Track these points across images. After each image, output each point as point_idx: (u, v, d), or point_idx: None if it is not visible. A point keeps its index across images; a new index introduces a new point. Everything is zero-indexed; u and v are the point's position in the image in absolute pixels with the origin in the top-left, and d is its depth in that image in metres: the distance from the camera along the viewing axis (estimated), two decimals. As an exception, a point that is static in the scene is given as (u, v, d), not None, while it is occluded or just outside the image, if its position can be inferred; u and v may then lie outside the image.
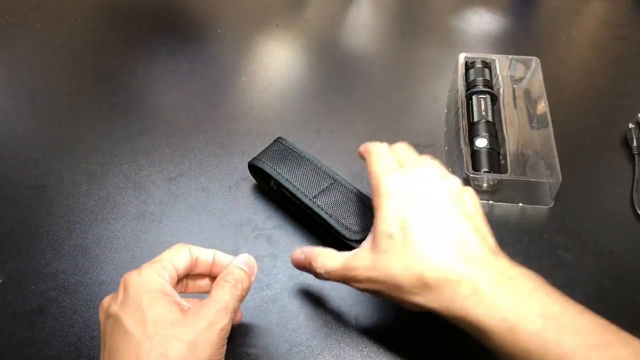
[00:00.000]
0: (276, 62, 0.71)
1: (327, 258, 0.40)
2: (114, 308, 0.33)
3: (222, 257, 0.39)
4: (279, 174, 0.49)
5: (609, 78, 0.69)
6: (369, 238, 0.38)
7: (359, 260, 0.37)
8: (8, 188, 0.55)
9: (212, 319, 0.33)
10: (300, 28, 0.76)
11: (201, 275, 0.40)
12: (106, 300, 0.35)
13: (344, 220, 0.46)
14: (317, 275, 0.40)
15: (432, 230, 0.35)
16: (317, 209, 0.46)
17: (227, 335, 0.34)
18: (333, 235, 0.47)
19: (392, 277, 0.35)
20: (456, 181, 0.39)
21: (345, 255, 0.39)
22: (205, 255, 0.39)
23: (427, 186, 0.38)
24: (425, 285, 0.34)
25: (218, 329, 0.33)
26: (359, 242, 0.41)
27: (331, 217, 0.46)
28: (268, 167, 0.49)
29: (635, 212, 0.53)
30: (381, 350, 0.44)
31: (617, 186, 0.56)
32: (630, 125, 0.60)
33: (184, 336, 0.32)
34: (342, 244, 0.46)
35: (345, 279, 0.38)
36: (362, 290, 0.38)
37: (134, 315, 0.32)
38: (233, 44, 0.73)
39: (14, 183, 0.55)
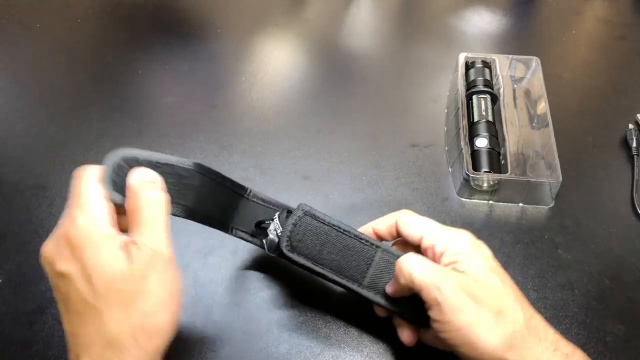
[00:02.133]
0: (276, 62, 0.71)
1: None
2: (62, 267, 0.31)
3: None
4: (315, 261, 0.40)
5: (609, 78, 0.69)
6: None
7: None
8: (8, 188, 0.55)
9: (158, 257, 0.32)
10: (300, 28, 0.76)
11: None
12: (49, 250, 0.32)
13: (403, 309, 0.40)
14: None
15: (519, 310, 0.35)
16: (370, 295, 0.41)
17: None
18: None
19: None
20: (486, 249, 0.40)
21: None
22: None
23: (490, 259, 0.38)
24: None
25: (167, 263, 0.32)
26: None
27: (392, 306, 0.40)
28: (303, 259, 0.40)
29: (635, 212, 0.53)
30: (381, 350, 0.44)
31: (617, 186, 0.56)
32: (630, 126, 0.60)
33: (138, 288, 0.31)
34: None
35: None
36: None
37: (84, 277, 0.31)
38: (233, 44, 0.73)
39: (14, 183, 0.55)
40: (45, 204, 0.53)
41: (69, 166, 0.56)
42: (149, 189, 0.34)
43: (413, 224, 0.40)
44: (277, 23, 0.76)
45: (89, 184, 0.34)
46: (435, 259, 0.38)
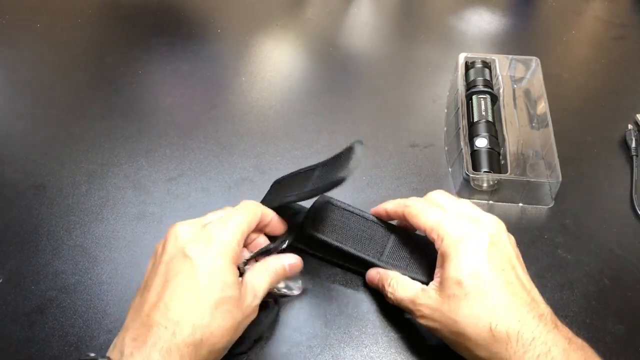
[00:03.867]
0: (276, 62, 0.71)
1: (399, 285, 0.41)
2: (193, 251, 0.36)
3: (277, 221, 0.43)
4: (339, 240, 0.45)
5: (609, 78, 0.69)
6: (437, 279, 0.38)
7: (426, 299, 0.38)
8: (8, 188, 0.55)
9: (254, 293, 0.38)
10: (300, 28, 0.76)
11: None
12: (186, 232, 0.38)
13: (415, 274, 0.43)
14: (387, 298, 0.42)
15: (506, 284, 0.36)
16: (389, 267, 0.44)
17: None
18: None
19: (457, 324, 0.35)
20: (512, 238, 0.41)
21: (416, 288, 0.40)
22: (269, 216, 0.42)
23: (497, 239, 0.38)
24: (493, 338, 0.34)
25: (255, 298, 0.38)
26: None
27: (406, 271, 0.44)
28: (326, 236, 0.45)
29: (635, 212, 0.53)
30: (381, 350, 0.44)
31: (617, 186, 0.56)
32: (630, 126, 0.60)
33: (239, 307, 0.36)
34: None
35: (410, 311, 0.40)
36: (424, 325, 0.39)
37: (200, 267, 0.35)
38: (233, 44, 0.73)
39: (14, 183, 0.55)
40: (45, 204, 0.53)
41: (69, 166, 0.57)
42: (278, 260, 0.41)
43: (418, 217, 0.41)
44: (277, 23, 0.76)
45: (248, 217, 0.40)
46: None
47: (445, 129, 0.61)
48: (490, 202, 0.54)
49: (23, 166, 0.57)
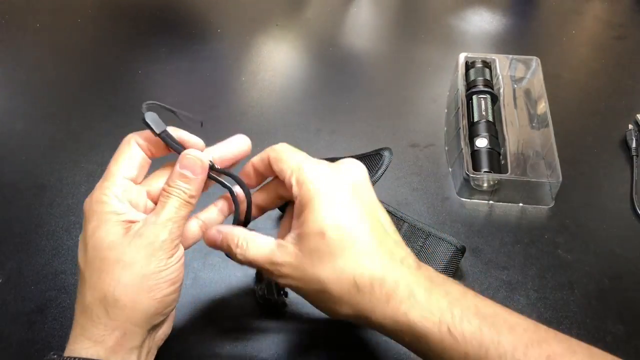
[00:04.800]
0: (276, 62, 0.71)
1: (249, 245, 0.35)
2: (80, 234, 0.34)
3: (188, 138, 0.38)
4: None
5: (609, 78, 0.69)
6: (295, 231, 0.34)
7: (284, 255, 0.33)
8: (8, 188, 0.55)
9: (151, 235, 0.32)
10: (300, 28, 0.76)
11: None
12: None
13: (426, 262, 0.42)
14: (236, 261, 0.36)
15: (366, 232, 0.33)
16: None
17: (176, 250, 0.34)
18: None
19: (320, 281, 0.32)
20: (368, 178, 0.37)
21: (270, 245, 0.35)
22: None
23: (359, 185, 0.35)
24: (357, 290, 0.32)
25: (158, 244, 0.32)
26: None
27: None
28: None
29: (635, 212, 0.53)
30: (381, 350, 0.44)
31: (617, 186, 0.56)
32: (630, 126, 0.60)
33: (119, 256, 0.32)
34: None
35: (267, 273, 0.35)
36: (285, 286, 0.36)
37: (82, 244, 0.34)
38: (233, 44, 0.73)
39: (14, 183, 0.55)
40: (45, 204, 0.53)
41: (69, 166, 0.57)
42: (185, 178, 0.35)
43: (282, 161, 0.36)
44: (277, 23, 0.76)
45: (116, 160, 0.36)
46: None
47: (445, 129, 0.61)
48: (491, 202, 0.54)
49: (23, 166, 0.57)
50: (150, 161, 0.37)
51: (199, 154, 0.37)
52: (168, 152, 0.37)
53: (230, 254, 0.36)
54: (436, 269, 0.42)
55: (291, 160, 0.36)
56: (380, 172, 0.38)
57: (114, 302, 0.31)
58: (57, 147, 0.59)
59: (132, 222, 0.33)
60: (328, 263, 0.32)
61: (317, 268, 0.32)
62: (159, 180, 0.37)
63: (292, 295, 0.47)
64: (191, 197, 0.35)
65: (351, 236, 0.32)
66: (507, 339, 0.29)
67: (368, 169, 0.37)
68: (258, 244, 0.35)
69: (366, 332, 0.45)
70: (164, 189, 0.35)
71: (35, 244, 0.50)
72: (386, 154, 0.40)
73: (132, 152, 0.36)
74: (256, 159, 0.39)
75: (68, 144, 0.59)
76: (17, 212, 0.53)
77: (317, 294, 0.33)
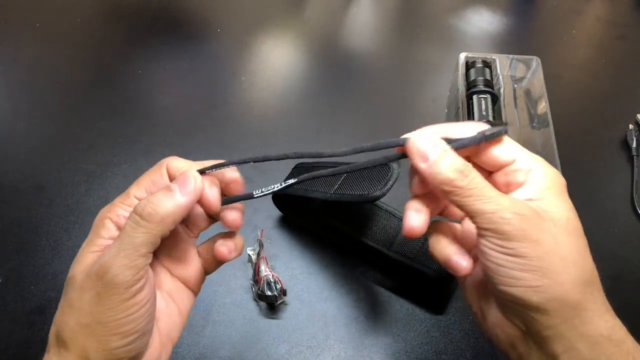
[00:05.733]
0: (276, 62, 0.71)
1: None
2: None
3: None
4: (350, 227, 0.47)
5: (609, 78, 0.68)
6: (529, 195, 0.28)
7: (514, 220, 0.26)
8: (8, 188, 0.55)
9: (102, 272, 0.26)
10: (300, 28, 0.76)
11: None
12: None
13: (423, 266, 0.44)
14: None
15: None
16: (398, 258, 0.45)
17: (138, 291, 0.27)
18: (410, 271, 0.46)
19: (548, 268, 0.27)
20: None
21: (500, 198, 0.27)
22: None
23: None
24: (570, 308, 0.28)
25: (111, 284, 0.26)
26: (446, 277, 0.43)
27: (414, 261, 0.44)
28: (338, 222, 0.47)
29: (635, 212, 0.53)
30: (381, 350, 0.44)
31: (617, 186, 0.56)
32: (630, 126, 0.60)
33: (70, 294, 0.28)
34: (423, 280, 0.46)
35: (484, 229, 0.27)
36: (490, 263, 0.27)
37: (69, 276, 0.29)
38: (233, 43, 0.73)
39: (14, 183, 0.55)
40: (45, 204, 0.53)
41: (69, 166, 0.57)
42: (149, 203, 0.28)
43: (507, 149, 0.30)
44: (277, 23, 0.76)
45: (143, 179, 0.31)
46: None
47: (445, 129, 0.61)
48: (491, 202, 0.54)
49: (23, 166, 0.57)
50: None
51: (196, 175, 0.30)
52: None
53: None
54: (436, 268, 0.43)
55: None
56: (389, 184, 0.39)
57: (62, 343, 0.28)
58: (57, 147, 0.59)
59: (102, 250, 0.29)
60: (564, 250, 0.29)
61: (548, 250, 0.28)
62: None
63: (292, 295, 0.47)
64: (160, 221, 0.27)
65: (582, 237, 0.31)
66: None
67: (376, 180, 0.38)
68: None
69: (366, 332, 0.45)
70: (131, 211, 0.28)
71: (35, 244, 0.50)
72: (394, 166, 0.40)
73: (158, 180, 0.30)
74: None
75: (68, 144, 0.59)
76: (17, 212, 0.53)
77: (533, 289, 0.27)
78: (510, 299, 0.27)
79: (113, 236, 0.29)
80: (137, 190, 0.30)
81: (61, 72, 0.69)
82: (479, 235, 0.27)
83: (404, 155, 0.31)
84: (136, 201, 0.29)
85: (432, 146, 0.29)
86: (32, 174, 0.56)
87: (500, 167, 0.30)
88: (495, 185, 0.29)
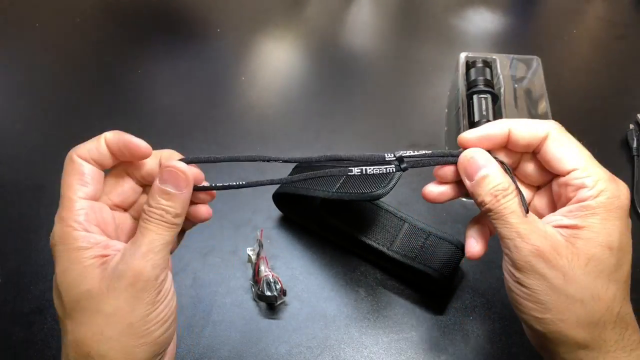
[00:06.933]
0: (276, 62, 0.71)
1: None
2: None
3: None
4: (351, 226, 0.47)
5: (610, 78, 0.68)
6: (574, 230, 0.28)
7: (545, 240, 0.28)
8: (8, 188, 0.55)
9: (132, 275, 0.27)
10: (300, 28, 0.76)
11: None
12: None
13: (423, 265, 0.44)
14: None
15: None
16: (399, 258, 0.45)
17: (163, 285, 0.29)
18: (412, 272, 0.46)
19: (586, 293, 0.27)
20: None
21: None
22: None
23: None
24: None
25: (141, 284, 0.28)
26: (447, 277, 0.43)
27: (414, 261, 0.45)
28: (338, 221, 0.47)
29: (635, 212, 0.53)
30: (381, 351, 0.44)
31: (618, 186, 0.55)
32: (631, 126, 0.60)
33: (99, 307, 0.27)
34: (425, 280, 0.46)
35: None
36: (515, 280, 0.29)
37: (55, 289, 0.29)
38: (233, 43, 0.73)
39: (14, 183, 0.55)
40: (45, 204, 0.53)
41: (69, 166, 0.57)
42: (167, 194, 0.30)
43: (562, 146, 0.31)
44: (277, 23, 0.76)
45: (67, 183, 0.31)
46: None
47: (445, 128, 0.61)
48: (491, 202, 0.54)
49: (23, 166, 0.57)
50: (103, 173, 0.33)
51: (181, 165, 0.32)
52: (116, 159, 0.33)
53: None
54: (436, 269, 0.43)
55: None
56: (392, 183, 0.38)
57: (100, 359, 0.27)
58: (57, 147, 0.59)
59: (105, 255, 0.29)
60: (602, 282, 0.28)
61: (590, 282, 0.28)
62: (116, 186, 0.33)
63: (292, 295, 0.47)
64: (176, 216, 0.30)
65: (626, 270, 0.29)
66: None
67: (378, 179, 0.38)
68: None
69: (366, 332, 0.45)
70: (143, 211, 0.29)
71: (35, 244, 0.50)
72: (397, 175, 0.39)
73: (80, 169, 0.31)
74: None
75: (68, 144, 0.59)
76: (17, 212, 0.53)
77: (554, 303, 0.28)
78: (521, 319, 0.30)
79: (90, 193, 0.31)
80: (77, 193, 0.31)
81: (61, 72, 0.69)
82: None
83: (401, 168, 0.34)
84: (85, 202, 0.31)
85: (476, 169, 0.31)
86: (32, 174, 0.56)
87: (563, 173, 0.31)
88: (549, 196, 0.32)
